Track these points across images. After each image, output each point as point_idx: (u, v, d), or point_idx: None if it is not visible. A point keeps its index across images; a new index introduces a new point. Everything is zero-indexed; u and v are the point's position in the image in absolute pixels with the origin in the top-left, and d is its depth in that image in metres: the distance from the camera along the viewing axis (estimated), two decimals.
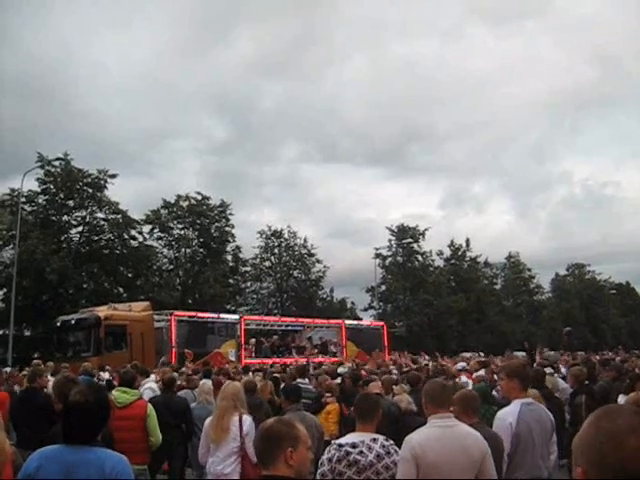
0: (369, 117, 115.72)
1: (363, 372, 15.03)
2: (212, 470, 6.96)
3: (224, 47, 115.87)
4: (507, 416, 5.62)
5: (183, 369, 16.94)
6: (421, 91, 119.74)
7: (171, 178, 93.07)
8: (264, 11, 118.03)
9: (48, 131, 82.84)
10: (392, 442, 4.89)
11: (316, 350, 32.44)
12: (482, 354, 38.06)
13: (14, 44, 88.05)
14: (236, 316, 32.46)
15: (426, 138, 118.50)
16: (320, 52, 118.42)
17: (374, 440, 4.86)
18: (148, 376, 12.32)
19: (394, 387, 10.06)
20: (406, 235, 65.78)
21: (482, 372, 14.96)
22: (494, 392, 10.13)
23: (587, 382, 10.40)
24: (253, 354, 29.56)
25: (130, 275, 47.47)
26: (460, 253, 71.94)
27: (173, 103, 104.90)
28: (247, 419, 7.04)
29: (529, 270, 78.87)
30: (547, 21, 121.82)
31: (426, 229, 66.34)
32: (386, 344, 37.36)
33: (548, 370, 12.33)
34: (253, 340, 31.16)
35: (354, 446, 4.76)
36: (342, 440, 4.93)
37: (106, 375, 17.37)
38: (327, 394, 9.99)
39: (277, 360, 27.42)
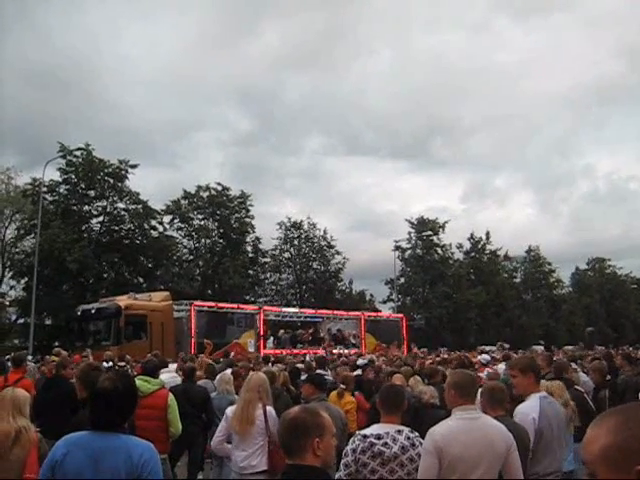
0: (393, 110, 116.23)
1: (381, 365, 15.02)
2: (239, 463, 6.84)
3: (250, 40, 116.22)
4: (530, 411, 5.55)
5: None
6: (446, 84, 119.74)
7: (195, 169, 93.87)
8: (291, 4, 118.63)
9: (74, 122, 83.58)
10: (417, 434, 4.85)
11: (334, 342, 32.47)
12: (506, 345, 37.80)
13: (42, 36, 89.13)
14: (255, 307, 32.52)
15: (450, 131, 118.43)
16: (346, 45, 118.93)
17: (399, 432, 4.83)
18: (165, 367, 12.26)
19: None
20: (426, 228, 65.43)
21: (502, 365, 14.87)
22: None
23: (609, 377, 10.31)
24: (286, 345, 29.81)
25: (150, 265, 47.68)
26: (480, 246, 71.50)
27: (198, 95, 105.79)
28: (272, 411, 6.96)
29: (549, 264, 78.31)
30: (574, 14, 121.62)
31: (446, 222, 65.99)
32: (405, 337, 37.37)
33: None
34: (282, 331, 31.33)
35: (379, 437, 4.73)
36: (367, 431, 4.89)
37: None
38: (342, 385, 9.94)
39: (301, 351, 27.51)
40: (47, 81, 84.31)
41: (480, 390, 5.46)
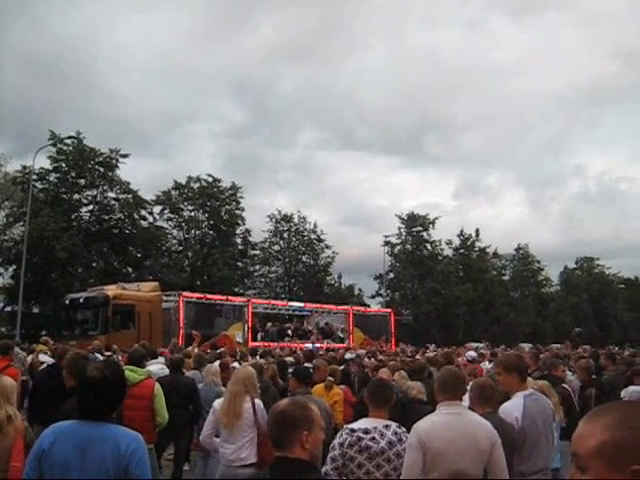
0: (387, 106, 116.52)
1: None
2: (228, 456, 6.83)
3: (246, 32, 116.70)
4: (512, 410, 5.53)
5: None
6: (440, 81, 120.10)
7: (187, 160, 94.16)
8: None
9: (69, 111, 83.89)
10: (404, 429, 4.86)
11: (322, 335, 32.49)
12: (486, 344, 38.13)
13: (39, 24, 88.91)
14: (244, 299, 32.49)
15: (443, 128, 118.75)
16: (341, 40, 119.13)
17: (387, 427, 4.84)
18: (155, 357, 12.26)
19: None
20: (416, 223, 65.60)
21: (487, 362, 14.94)
22: None
23: (594, 376, 10.36)
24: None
25: (139, 255, 47.70)
26: (469, 243, 71.68)
27: (193, 86, 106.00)
28: (260, 404, 6.96)
29: (538, 262, 78.57)
30: (570, 14, 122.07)
31: (436, 218, 66.24)
32: (393, 331, 37.41)
33: None
34: (270, 324, 31.33)
35: (366, 432, 4.74)
36: (354, 425, 4.90)
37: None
38: (330, 378, 9.94)
39: (285, 345, 27.49)
40: (43, 69, 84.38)
41: (469, 386, 5.47)
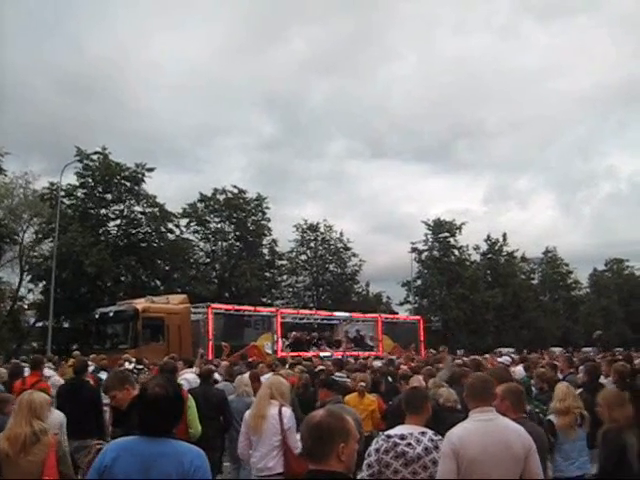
0: (418, 113, 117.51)
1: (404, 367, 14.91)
2: (256, 465, 6.88)
3: (276, 45, 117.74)
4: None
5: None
6: (470, 87, 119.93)
7: (219, 173, 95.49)
8: (318, 10, 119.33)
9: (101, 128, 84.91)
10: (440, 437, 4.80)
11: (352, 344, 32.38)
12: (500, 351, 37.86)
13: (71, 43, 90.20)
14: (272, 309, 32.46)
15: (474, 134, 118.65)
16: (372, 50, 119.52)
17: (423, 433, 4.84)
18: (190, 367, 12.36)
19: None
20: (442, 229, 65.29)
21: (520, 367, 14.78)
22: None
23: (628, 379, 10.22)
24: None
25: (167, 268, 47.91)
26: (497, 248, 71.25)
27: (224, 100, 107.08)
28: (287, 411, 6.97)
29: (567, 265, 77.96)
30: (598, 16, 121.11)
31: (463, 223, 65.86)
32: (422, 339, 37.17)
33: None
34: (294, 333, 31.26)
35: (402, 438, 4.74)
36: (391, 431, 4.90)
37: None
38: (361, 383, 9.89)
39: (314, 354, 27.39)
40: (75, 87, 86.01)
41: (501, 391, 5.39)
